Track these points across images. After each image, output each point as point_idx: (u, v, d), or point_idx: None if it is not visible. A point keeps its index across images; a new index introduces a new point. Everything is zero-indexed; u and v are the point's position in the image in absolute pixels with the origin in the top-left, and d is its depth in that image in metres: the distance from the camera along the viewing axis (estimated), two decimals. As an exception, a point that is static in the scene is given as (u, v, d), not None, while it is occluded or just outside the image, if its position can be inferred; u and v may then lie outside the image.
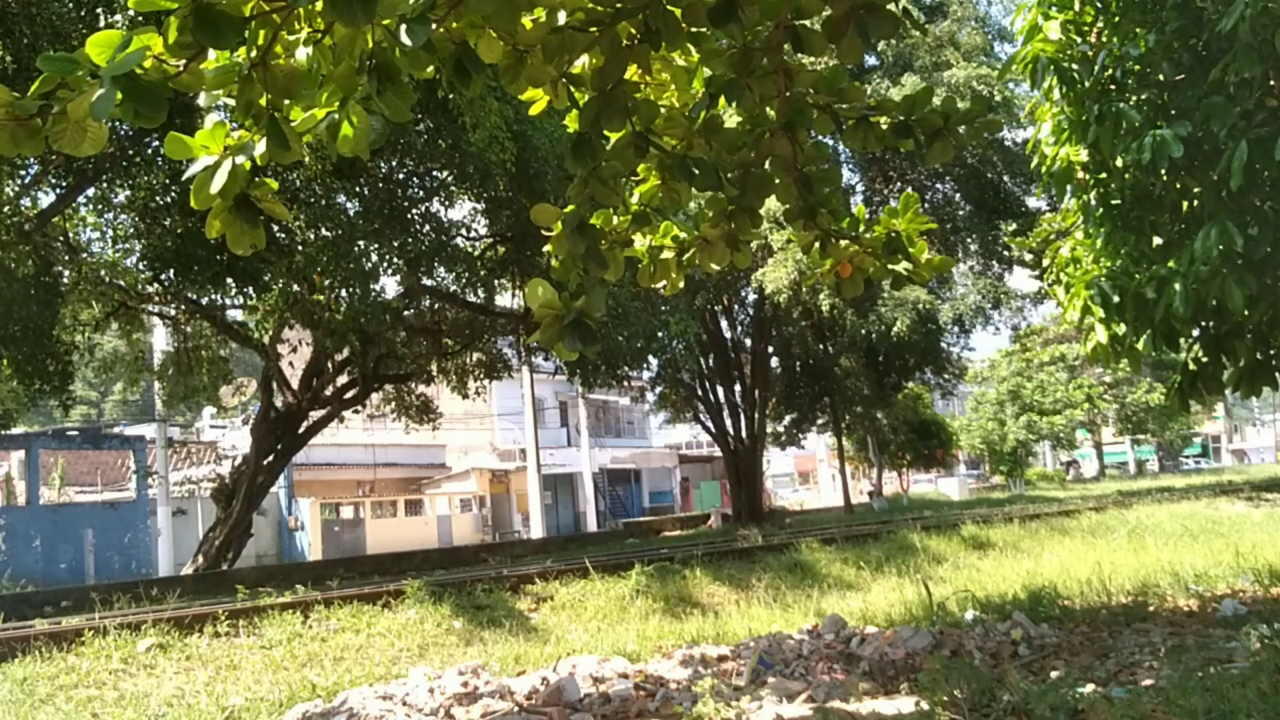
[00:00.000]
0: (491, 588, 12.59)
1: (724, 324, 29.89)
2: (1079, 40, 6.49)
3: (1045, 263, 8.64)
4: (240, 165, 2.78)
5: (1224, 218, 5.45)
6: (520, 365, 23.90)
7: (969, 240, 27.04)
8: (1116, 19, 6.26)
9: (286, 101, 2.86)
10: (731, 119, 3.91)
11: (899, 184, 26.87)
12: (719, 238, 4.27)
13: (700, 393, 30.06)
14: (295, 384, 19.70)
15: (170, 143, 2.80)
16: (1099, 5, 6.44)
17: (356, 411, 22.66)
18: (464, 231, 18.05)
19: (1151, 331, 6.37)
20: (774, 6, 3.16)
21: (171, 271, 14.01)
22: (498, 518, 36.59)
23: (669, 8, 3.11)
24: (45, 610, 13.06)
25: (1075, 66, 6.33)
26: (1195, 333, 6.78)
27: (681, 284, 4.65)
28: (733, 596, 13.46)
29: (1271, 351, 6.71)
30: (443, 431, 32.32)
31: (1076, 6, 6.51)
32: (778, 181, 3.95)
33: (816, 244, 4.35)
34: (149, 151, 12.98)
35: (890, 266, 4.44)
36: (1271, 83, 5.46)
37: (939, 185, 27.35)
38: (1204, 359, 6.85)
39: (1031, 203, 26.16)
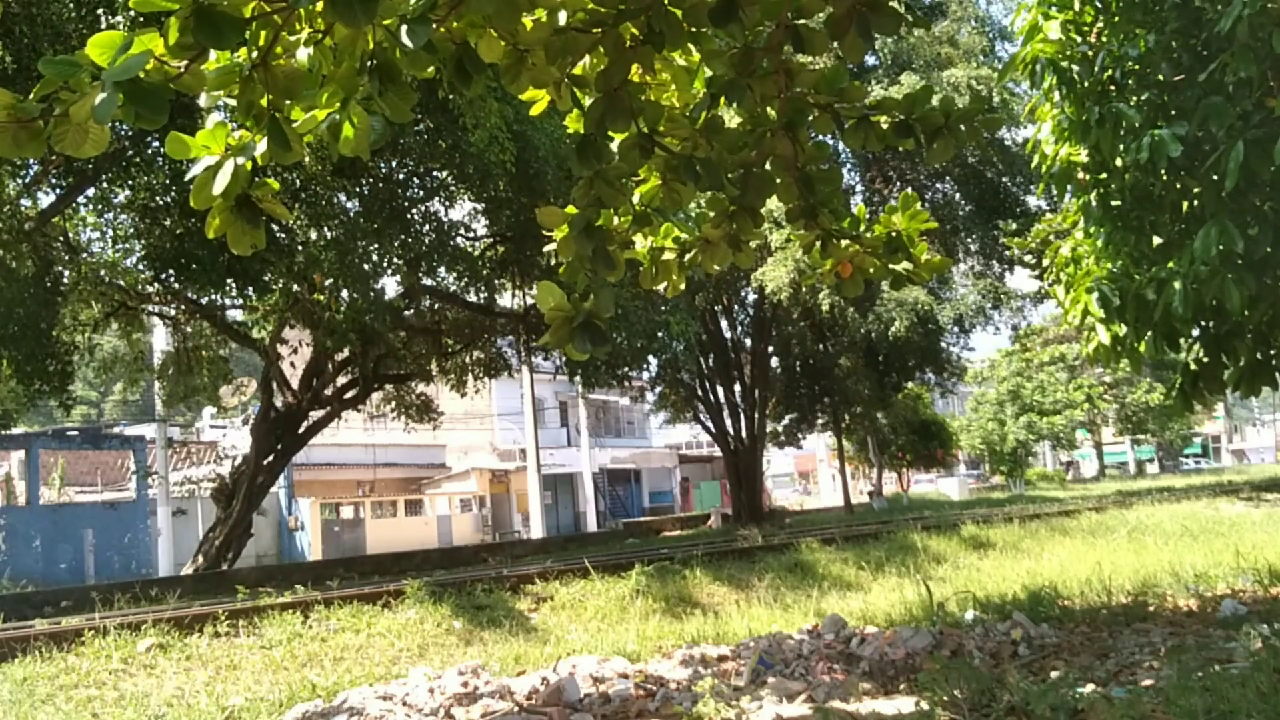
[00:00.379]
0: (491, 588, 12.59)
1: (724, 324, 29.89)
2: (1079, 40, 6.50)
3: (1045, 263, 8.65)
4: (241, 165, 2.78)
5: (1224, 218, 5.46)
6: (520, 365, 23.90)
7: (969, 240, 27.05)
8: (1116, 19, 6.26)
9: (287, 102, 2.86)
10: (732, 119, 3.91)
11: (899, 184, 26.87)
12: (720, 238, 4.27)
13: (700, 393, 30.06)
14: (295, 384, 19.71)
15: (171, 143, 2.80)
16: (1099, 5, 6.45)
17: (357, 410, 22.68)
18: (464, 231, 18.05)
19: (1152, 332, 6.38)
20: (774, 6, 3.17)
21: (171, 271, 14.01)
22: (498, 518, 36.59)
23: (670, 8, 3.11)
24: (45, 610, 13.06)
25: (1075, 67, 6.33)
26: (1195, 333, 6.78)
27: (683, 285, 4.65)
28: (733, 596, 13.46)
29: (1272, 351, 6.71)
30: (443, 431, 32.35)
31: (1076, 6, 6.52)
32: (779, 181, 3.95)
33: (817, 244, 4.35)
34: (149, 152, 12.98)
35: (891, 266, 4.44)
36: (1270, 83, 5.46)
37: (939, 185, 27.37)
38: (1204, 359, 6.86)
39: (1031, 203, 26.17)
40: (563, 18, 3.16)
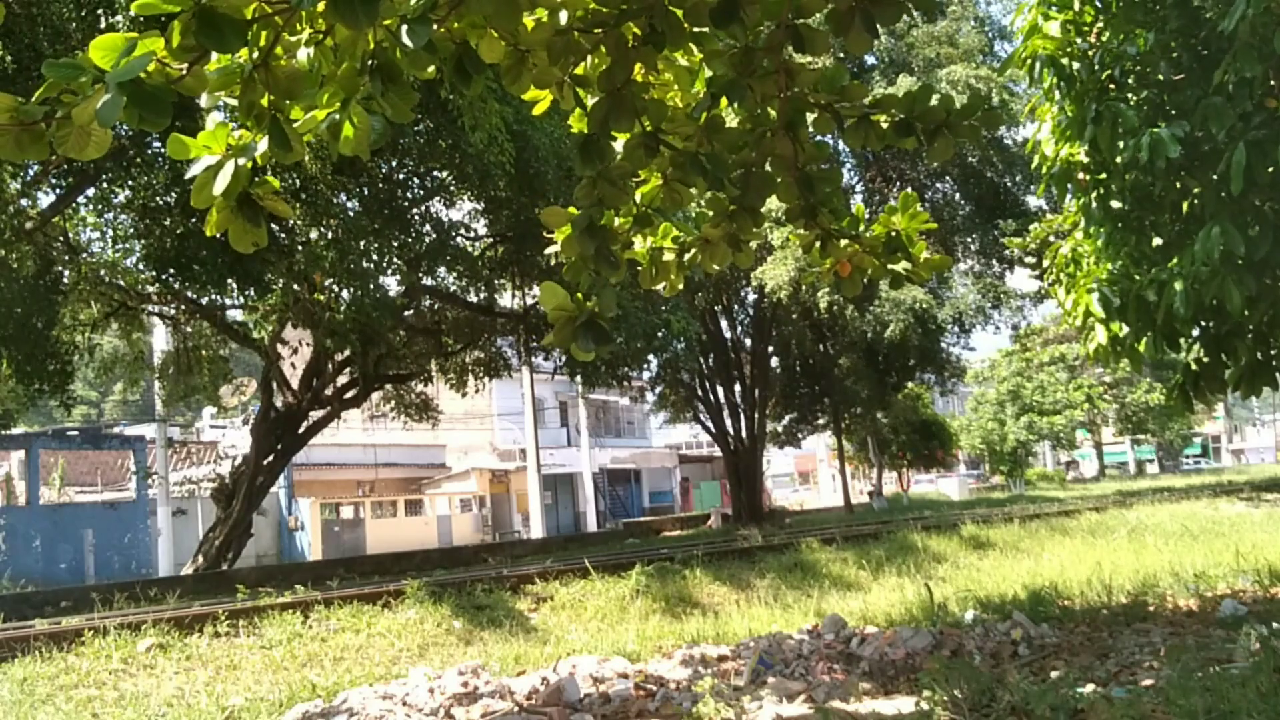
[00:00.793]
0: (491, 588, 12.59)
1: (724, 324, 29.90)
2: (1079, 40, 6.50)
3: (1045, 263, 8.65)
4: (242, 165, 2.78)
5: (1224, 218, 5.46)
6: (520, 365, 23.90)
7: (969, 240, 27.06)
8: (1116, 18, 6.26)
9: (288, 102, 2.86)
10: (732, 119, 3.91)
11: (899, 184, 26.88)
12: (720, 238, 4.28)
13: (700, 393, 30.05)
14: (295, 384, 19.71)
15: (172, 144, 2.80)
16: (1099, 4, 6.45)
17: (358, 409, 22.68)
18: (464, 231, 18.05)
19: (1152, 332, 6.38)
20: (775, 6, 3.17)
21: (171, 271, 14.01)
22: (498, 518, 36.59)
23: (671, 9, 3.11)
24: (45, 610, 13.06)
25: (1075, 65, 6.34)
26: (1196, 333, 6.78)
27: (681, 285, 4.66)
28: (733, 596, 13.46)
29: (1272, 351, 6.72)
30: (443, 431, 32.37)
31: (1076, 6, 6.52)
32: (779, 181, 3.95)
33: (816, 243, 4.36)
34: (149, 152, 12.98)
35: (890, 266, 4.45)
36: (1271, 83, 5.47)
37: (939, 185, 27.39)
38: (1204, 359, 6.86)
39: (1031, 203, 26.18)
40: (564, 18, 3.16)
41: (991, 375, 50.76)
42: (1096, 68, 6.24)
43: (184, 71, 2.51)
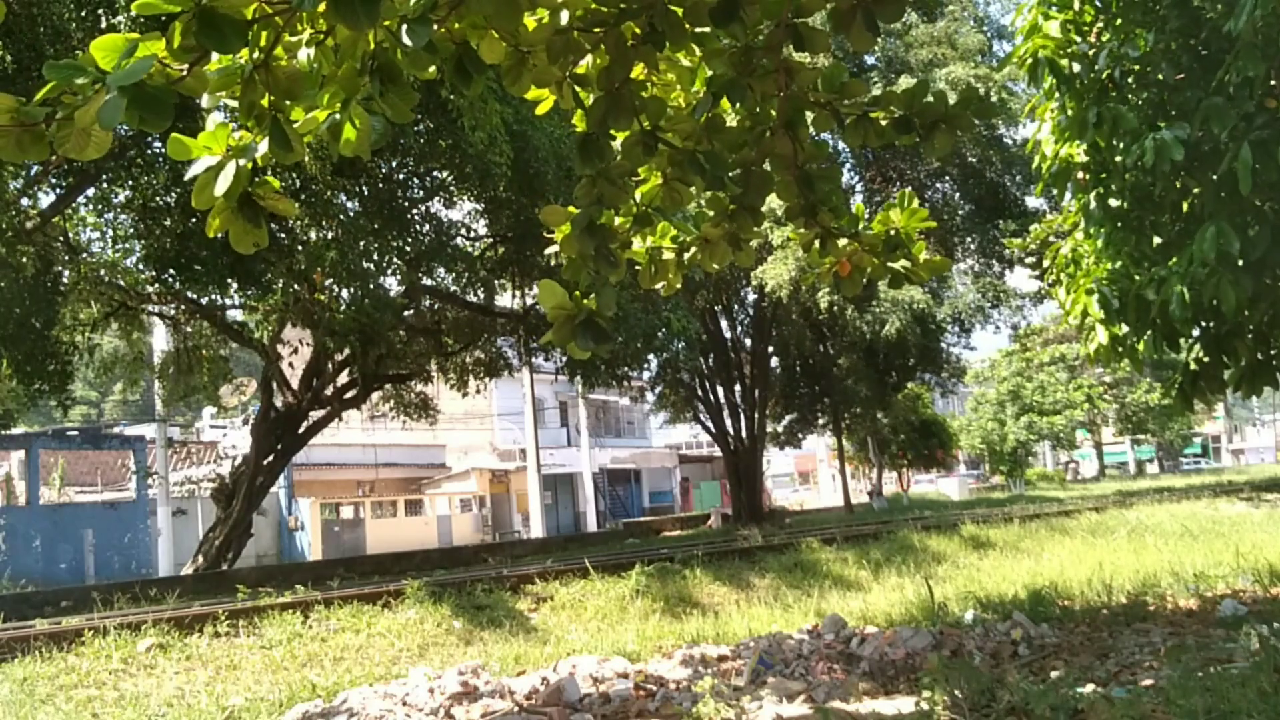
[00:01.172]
0: (491, 588, 12.59)
1: (724, 324, 29.90)
2: (1079, 40, 6.50)
3: (1045, 263, 8.66)
4: (243, 166, 2.78)
5: (1223, 219, 5.46)
6: (520, 365, 23.90)
7: (968, 240, 27.05)
8: (1116, 19, 6.26)
9: (289, 103, 2.86)
10: (731, 118, 3.91)
11: (898, 184, 26.87)
12: (720, 237, 4.28)
13: (700, 393, 30.05)
14: (295, 384, 19.70)
15: (173, 145, 2.80)
16: (1099, 4, 6.45)
17: (357, 409, 22.67)
18: (464, 231, 18.05)
19: (1152, 332, 6.38)
20: (775, 5, 3.17)
21: (171, 271, 14.01)
22: (498, 518, 36.59)
23: (671, 8, 3.11)
24: (45, 610, 13.06)
25: (1075, 65, 6.33)
26: (1196, 333, 6.78)
27: (680, 284, 4.66)
28: (733, 596, 13.47)
29: (1272, 351, 6.72)
30: (443, 431, 32.38)
31: (1076, 6, 6.51)
32: (778, 179, 3.95)
33: (816, 242, 4.36)
34: (150, 152, 12.98)
35: (890, 264, 4.45)
36: (1273, 83, 5.46)
37: (938, 185, 27.38)
38: (1205, 359, 6.86)
39: (1031, 203, 26.19)
40: (564, 17, 3.16)
41: (991, 375, 50.78)
42: (1096, 68, 6.24)
43: (184, 72, 2.51)
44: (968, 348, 38.93)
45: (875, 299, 24.38)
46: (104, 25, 11.03)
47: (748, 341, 30.68)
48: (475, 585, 12.55)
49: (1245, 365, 6.65)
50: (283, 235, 13.61)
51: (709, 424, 30.39)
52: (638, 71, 3.58)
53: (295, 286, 14.73)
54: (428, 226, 15.79)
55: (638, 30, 3.23)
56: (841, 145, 22.27)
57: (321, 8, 2.53)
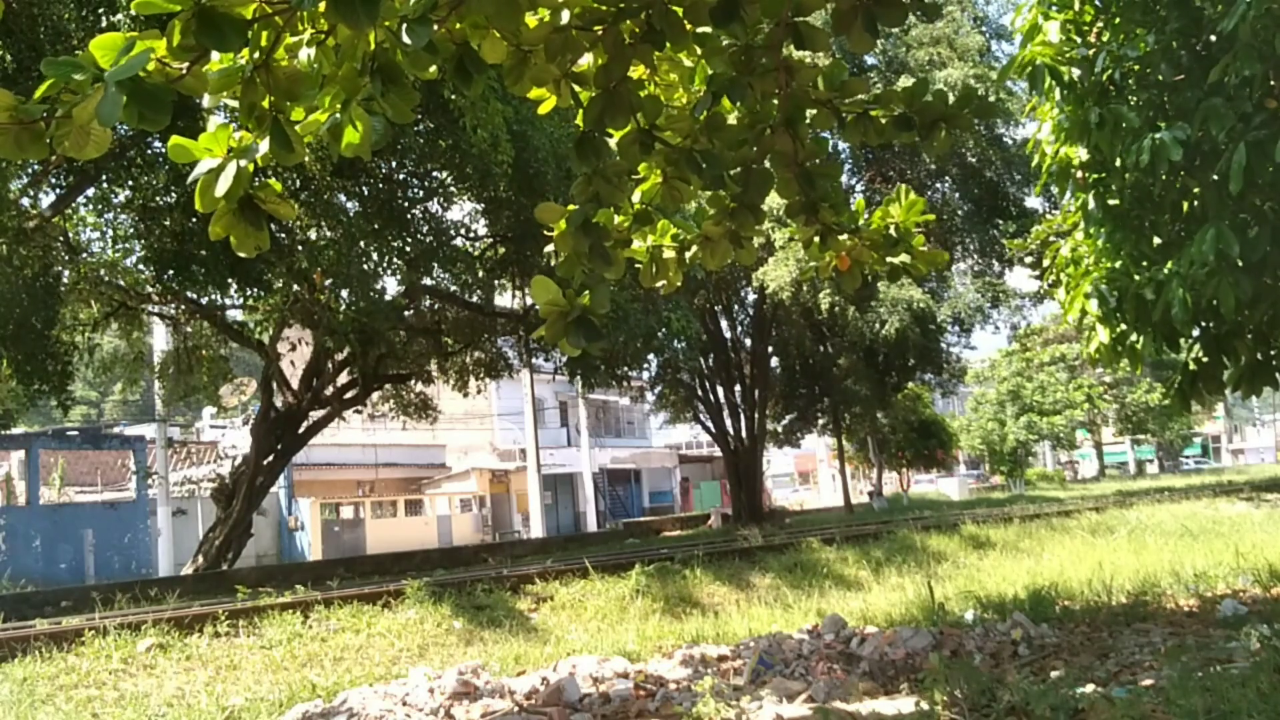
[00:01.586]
0: (491, 588, 12.59)
1: (724, 324, 29.90)
2: (1078, 41, 6.49)
3: (1045, 263, 8.66)
4: (244, 167, 2.78)
5: (1222, 220, 5.46)
6: (521, 365, 23.90)
7: (968, 240, 27.05)
8: (1116, 19, 6.26)
9: (289, 103, 2.86)
10: (731, 116, 3.92)
11: (898, 184, 26.84)
12: (721, 235, 4.28)
13: (700, 393, 30.06)
14: (295, 384, 19.70)
15: (174, 147, 2.80)
16: (1099, 5, 6.44)
17: (357, 411, 22.67)
18: (464, 231, 18.05)
19: (1152, 332, 6.38)
20: (775, 4, 3.17)
21: (171, 271, 14.01)
22: (498, 518, 36.59)
23: (671, 7, 3.11)
24: (45, 610, 13.06)
25: (1074, 69, 6.33)
26: (1195, 333, 6.78)
27: (680, 282, 4.66)
28: (733, 596, 13.47)
29: (1271, 351, 6.72)
30: (443, 431, 32.38)
31: (1076, 6, 6.51)
32: (779, 177, 3.96)
33: (816, 238, 4.36)
34: (150, 151, 12.97)
35: (889, 260, 4.46)
36: (1271, 83, 5.46)
37: (938, 185, 27.38)
38: (1204, 359, 6.86)
39: (1030, 203, 26.19)
40: (564, 16, 3.16)
41: (991, 375, 50.78)
42: (1096, 70, 6.24)
43: (184, 71, 2.51)
44: (968, 348, 38.99)
45: (875, 299, 24.37)
46: (104, 25, 11.03)
47: (748, 341, 30.69)
48: (475, 585, 12.55)
49: (1245, 365, 6.65)
50: (283, 235, 13.61)
51: (709, 424, 30.39)
52: (638, 71, 3.58)
53: (295, 286, 14.73)
54: (427, 227, 15.79)
55: (637, 29, 3.23)
56: (841, 145, 22.28)
57: (321, 7, 2.53)
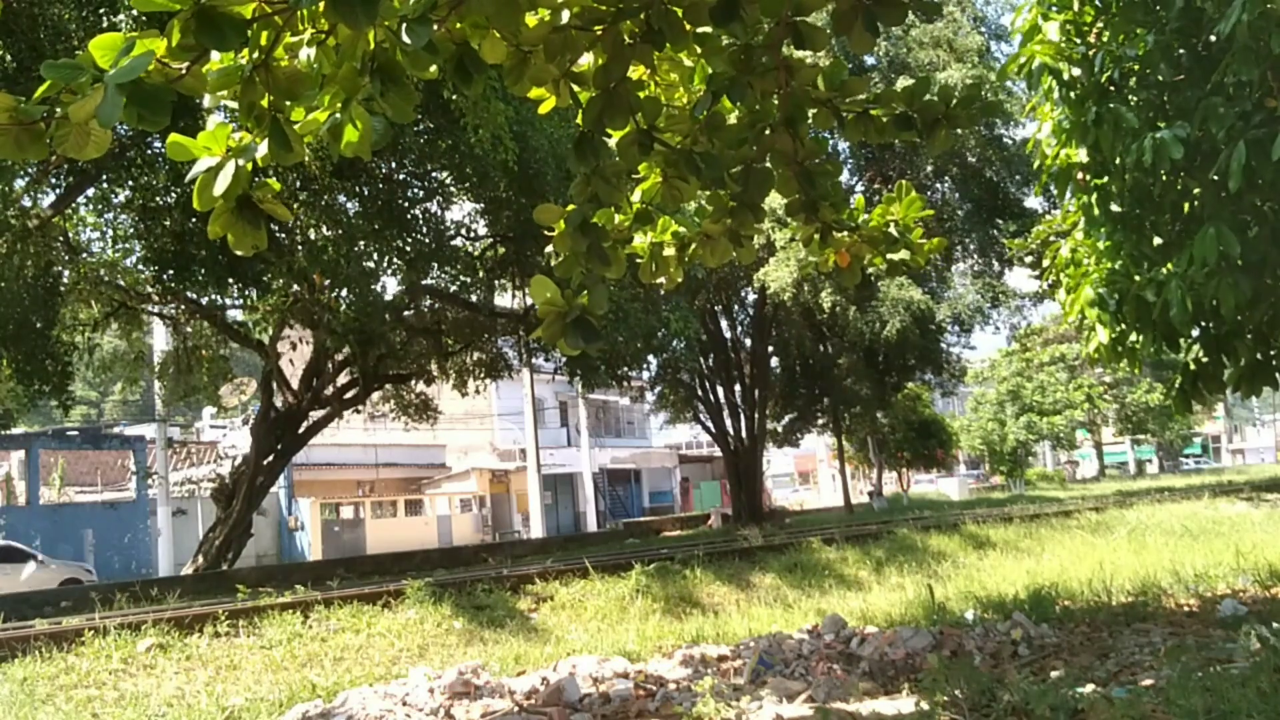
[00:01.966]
0: (492, 588, 12.59)
1: (724, 324, 29.90)
2: (1078, 41, 6.49)
3: (1045, 263, 8.65)
4: (243, 167, 2.78)
5: (1221, 220, 5.45)
6: (521, 365, 23.91)
7: (968, 240, 27.06)
8: (1116, 19, 6.26)
9: (289, 103, 2.86)
10: (731, 115, 3.92)
11: (898, 183, 26.82)
12: (721, 234, 4.28)
13: (700, 393, 30.06)
14: (295, 384, 19.71)
15: (173, 146, 2.80)
16: (1098, 5, 6.44)
17: (357, 411, 22.67)
18: (464, 232, 18.05)
19: (1152, 332, 6.38)
20: (775, 4, 3.17)
21: (171, 271, 14.01)
22: (498, 518, 36.59)
23: (671, 7, 3.11)
24: (45, 610, 13.07)
25: (1074, 69, 6.33)
26: (1195, 333, 6.78)
27: (680, 278, 4.65)
28: (733, 596, 13.47)
29: (1271, 351, 6.71)
30: (443, 431, 32.36)
31: (1076, 6, 6.51)
32: (779, 176, 3.96)
33: (816, 236, 4.37)
34: (149, 151, 12.97)
35: (890, 256, 4.47)
36: (1270, 84, 5.46)
37: (938, 185, 27.37)
38: (1204, 359, 6.86)
39: (1030, 203, 26.18)
40: (564, 16, 3.16)
41: (991, 375, 50.77)
42: (1096, 70, 6.23)
43: (183, 71, 2.51)
44: (968, 348, 38.97)
45: (876, 299, 24.38)
46: (105, 25, 11.03)
47: (748, 341, 30.70)
48: (475, 585, 12.55)
49: (1245, 365, 6.65)
50: (282, 235, 13.61)
51: (709, 424, 30.40)
52: (637, 71, 3.57)
53: (295, 286, 14.73)
54: (427, 227, 15.79)
55: (637, 29, 3.23)
56: (842, 144, 22.28)
57: (321, 7, 2.53)
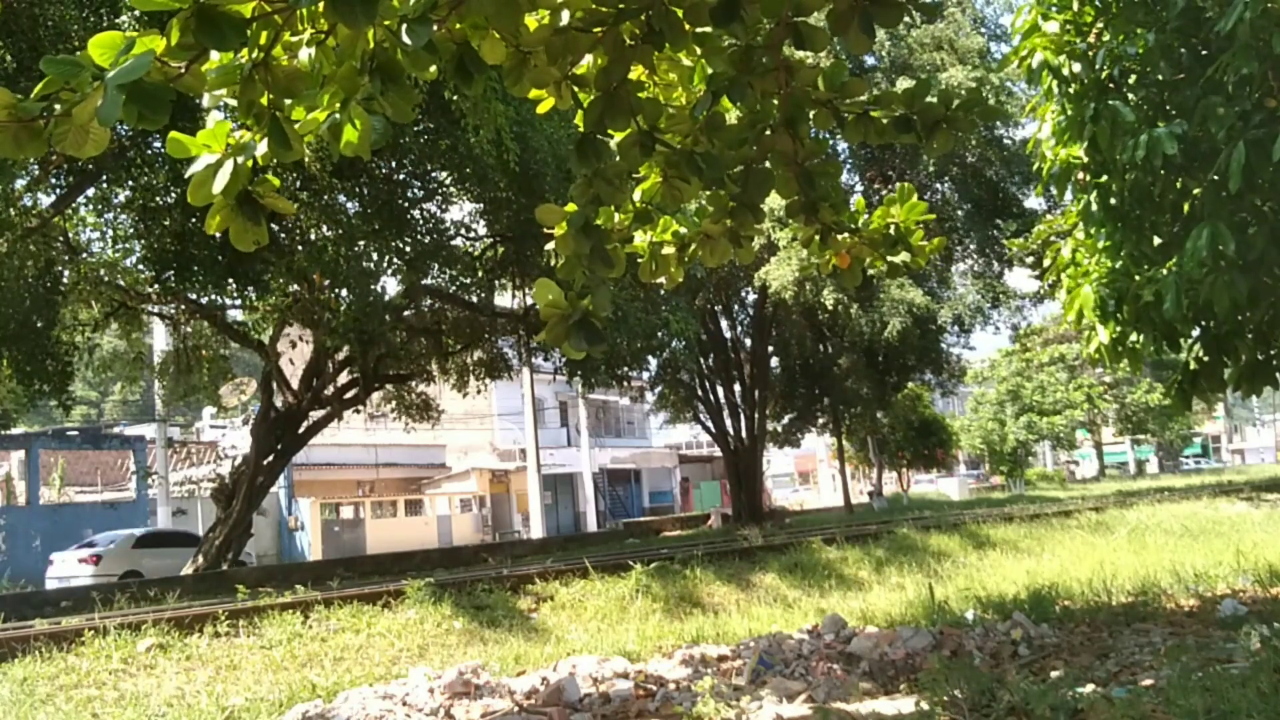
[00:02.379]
0: (492, 588, 12.58)
1: (724, 324, 29.90)
2: (1078, 40, 6.49)
3: (1045, 263, 8.66)
4: (242, 164, 2.78)
5: (1218, 219, 5.45)
6: (521, 365, 23.92)
7: (968, 240, 27.07)
8: (1116, 18, 6.25)
9: (288, 102, 2.86)
10: (731, 116, 3.92)
11: (898, 183, 26.82)
12: (721, 234, 4.28)
13: (700, 393, 30.06)
14: (295, 384, 19.70)
15: (172, 144, 2.80)
16: (1098, 4, 6.44)
17: (357, 411, 22.67)
18: (464, 232, 18.06)
19: (1152, 332, 6.38)
20: (775, 4, 3.17)
21: (171, 271, 14.01)
22: (498, 518, 36.59)
23: (671, 8, 3.11)
24: (45, 610, 13.07)
25: (1075, 65, 6.33)
26: (1195, 333, 6.78)
27: (680, 277, 4.65)
28: (733, 596, 13.46)
29: (1271, 351, 6.71)
30: (443, 431, 32.33)
31: (1076, 6, 6.51)
32: (779, 176, 3.96)
33: (816, 237, 4.37)
34: (149, 151, 12.98)
35: (890, 258, 4.47)
36: (1270, 83, 5.46)
37: (938, 185, 27.38)
38: (1204, 359, 6.86)
39: (1030, 203, 26.20)
40: (564, 17, 3.15)
41: (991, 375, 50.78)
42: (1096, 68, 6.23)
43: (183, 70, 2.51)
44: (968, 348, 39.02)
45: (876, 299, 24.38)
46: (105, 25, 11.03)
47: (748, 341, 30.70)
48: (475, 585, 12.55)
49: (1245, 365, 6.64)
50: (282, 235, 13.62)
51: (709, 424, 30.40)
52: (638, 72, 3.57)
53: (295, 286, 14.73)
54: (427, 227, 15.80)
55: (637, 31, 3.23)
56: (841, 145, 22.27)
57: (320, 7, 2.53)
